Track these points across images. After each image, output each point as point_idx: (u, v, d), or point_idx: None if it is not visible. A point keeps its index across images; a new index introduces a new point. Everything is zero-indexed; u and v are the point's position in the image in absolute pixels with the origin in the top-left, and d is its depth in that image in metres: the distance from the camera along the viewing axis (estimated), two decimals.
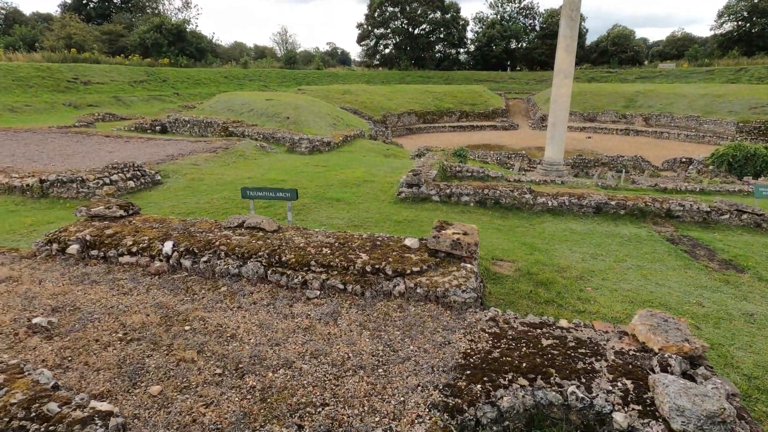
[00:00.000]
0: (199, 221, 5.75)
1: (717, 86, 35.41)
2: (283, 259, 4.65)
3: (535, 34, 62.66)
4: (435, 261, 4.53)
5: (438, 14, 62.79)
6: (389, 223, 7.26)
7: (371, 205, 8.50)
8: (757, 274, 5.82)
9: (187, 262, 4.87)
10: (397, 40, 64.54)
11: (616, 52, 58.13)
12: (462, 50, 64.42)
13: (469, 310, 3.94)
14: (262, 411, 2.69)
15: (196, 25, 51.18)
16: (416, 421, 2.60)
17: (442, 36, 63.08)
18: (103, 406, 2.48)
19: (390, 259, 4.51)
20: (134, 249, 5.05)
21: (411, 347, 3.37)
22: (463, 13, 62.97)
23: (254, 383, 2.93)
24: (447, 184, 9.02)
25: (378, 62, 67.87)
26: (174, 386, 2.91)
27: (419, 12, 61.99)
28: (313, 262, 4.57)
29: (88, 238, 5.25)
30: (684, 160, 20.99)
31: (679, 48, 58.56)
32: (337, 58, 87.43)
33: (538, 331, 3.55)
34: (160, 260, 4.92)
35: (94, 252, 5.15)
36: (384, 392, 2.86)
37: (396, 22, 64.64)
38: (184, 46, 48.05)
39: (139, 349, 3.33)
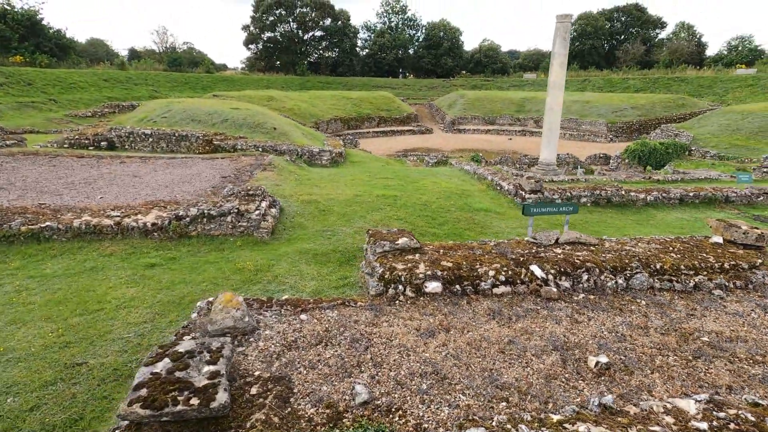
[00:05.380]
0: (506, 242, 5.69)
1: (588, 94, 43.58)
2: (657, 266, 5.11)
3: (419, 44, 67.61)
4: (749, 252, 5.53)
5: (329, 21, 63.12)
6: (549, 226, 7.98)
7: (517, 213, 9.06)
8: None
9: (565, 283, 4.95)
10: (288, 44, 62.88)
11: (488, 63, 66.46)
12: (354, 57, 65.84)
13: None
14: None
15: (42, 17, 41.70)
16: None
17: (335, 42, 63.59)
18: None
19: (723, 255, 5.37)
20: (501, 278, 4.89)
21: None
22: (353, 21, 64.26)
23: None
24: (563, 188, 10.05)
25: (265, 66, 64.94)
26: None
27: (310, 17, 61.44)
28: (682, 267, 5.14)
29: (439, 273, 4.85)
30: (602, 155, 25.75)
31: (535, 61, 69.71)
32: (196, 60, 78.44)
33: None
34: (538, 285, 4.88)
35: (456, 287, 4.81)
36: None
37: (285, 26, 62.93)
38: (41, 42, 39.31)
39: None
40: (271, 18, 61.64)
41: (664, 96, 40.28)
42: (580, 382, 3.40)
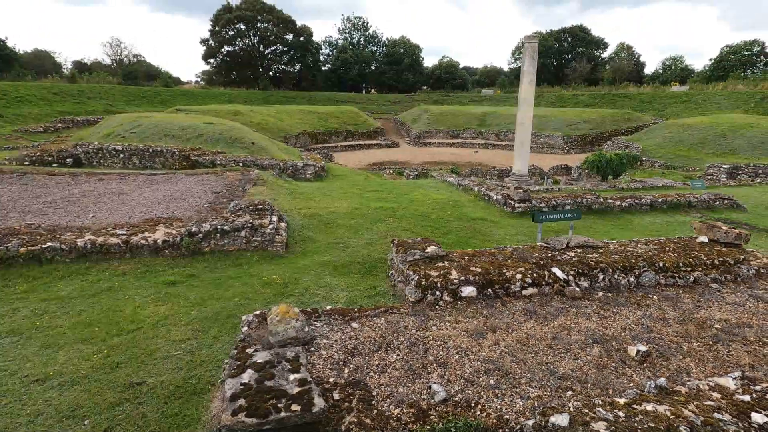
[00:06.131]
0: (523, 248, 6.08)
1: (543, 109, 46.08)
2: (660, 264, 5.66)
3: (381, 60, 69.02)
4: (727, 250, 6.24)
5: (291, 36, 63.22)
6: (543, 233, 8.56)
7: (511, 221, 9.58)
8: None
9: (584, 283, 5.38)
10: (249, 58, 62.27)
11: (448, 79, 68.86)
12: (317, 73, 66.15)
13: None
14: None
15: None
16: None
17: (297, 57, 63.68)
18: None
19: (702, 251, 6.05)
20: (527, 280, 5.25)
21: None
22: (315, 37, 64.67)
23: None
24: (549, 198, 10.71)
25: (225, 80, 63.80)
26: None
27: (271, 32, 61.27)
28: (681, 264, 5.72)
29: (471, 279, 5.14)
30: (563, 166, 27.33)
31: (491, 77, 73.03)
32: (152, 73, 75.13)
33: None
34: (561, 286, 5.28)
35: (488, 291, 5.11)
36: None
37: (245, 40, 62.35)
38: None
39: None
40: (231, 32, 60.94)
41: (612, 111, 43.41)
42: (627, 369, 3.76)
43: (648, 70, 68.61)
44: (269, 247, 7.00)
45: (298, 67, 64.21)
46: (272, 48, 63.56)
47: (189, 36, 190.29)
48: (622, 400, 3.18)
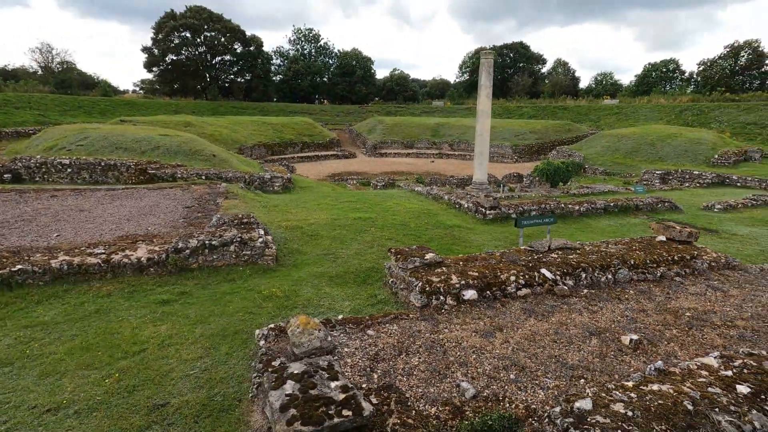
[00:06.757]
0: (510, 252, 6.48)
1: (492, 120, 48.23)
2: (632, 262, 6.27)
3: (334, 72, 69.29)
4: (683, 247, 7.05)
5: (240, 46, 61.92)
6: (516, 237, 9.17)
7: (484, 227, 10.08)
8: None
9: (570, 282, 5.86)
10: (196, 68, 60.17)
11: (400, 91, 70.36)
12: (268, 83, 65.13)
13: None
14: None
15: None
16: None
17: (247, 67, 62.41)
18: None
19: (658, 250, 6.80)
20: (521, 281, 5.63)
21: None
22: (266, 48, 63.80)
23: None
24: (516, 204, 11.39)
25: (171, 90, 61.16)
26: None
27: (219, 42, 59.68)
28: (648, 261, 6.38)
29: (471, 282, 5.44)
30: (515, 174, 28.84)
31: (440, 89, 75.53)
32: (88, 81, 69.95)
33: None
34: (551, 285, 5.71)
35: (487, 293, 5.43)
36: None
37: (192, 49, 60.25)
38: None
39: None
40: (176, 40, 58.64)
41: (554, 122, 46.42)
42: (625, 356, 4.19)
43: (582, 84, 74.17)
44: (259, 261, 6.92)
45: (248, 78, 62.86)
46: (220, 58, 61.87)
47: (123, 43, 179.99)
48: (630, 383, 3.57)
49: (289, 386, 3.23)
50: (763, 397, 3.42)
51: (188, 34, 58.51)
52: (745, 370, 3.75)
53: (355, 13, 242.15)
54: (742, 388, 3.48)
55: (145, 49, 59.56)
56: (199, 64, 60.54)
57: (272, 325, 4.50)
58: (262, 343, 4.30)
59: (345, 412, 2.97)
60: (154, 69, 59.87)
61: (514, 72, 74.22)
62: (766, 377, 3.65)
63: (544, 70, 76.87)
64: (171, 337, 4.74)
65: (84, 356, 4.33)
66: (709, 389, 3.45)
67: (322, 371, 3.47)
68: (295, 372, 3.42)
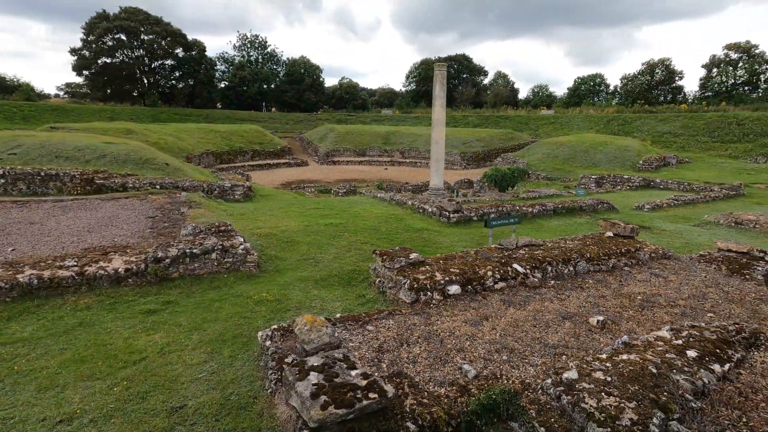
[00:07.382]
0: (483, 250, 7.03)
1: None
2: (588, 255, 7.05)
3: (282, 79, 68.47)
4: (632, 243, 8.02)
5: (181, 50, 59.53)
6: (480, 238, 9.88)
7: (450, 230, 10.69)
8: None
9: (538, 275, 6.50)
10: (132, 72, 57.00)
11: (349, 99, 70.90)
12: (213, 90, 63.06)
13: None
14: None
15: None
16: None
17: (190, 72, 60.08)
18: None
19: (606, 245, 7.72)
20: (497, 276, 6.19)
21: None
22: (209, 53, 61.80)
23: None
24: (476, 207, 12.15)
25: (104, 95, 57.30)
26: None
27: (159, 45, 57.01)
28: (601, 254, 7.20)
29: (454, 278, 5.90)
30: (466, 180, 30.18)
31: (389, 98, 77.00)
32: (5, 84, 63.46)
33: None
34: (523, 278, 6.31)
35: (469, 287, 5.91)
36: None
37: (128, 52, 57.05)
38: None
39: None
40: (110, 42, 55.25)
41: (498, 131, 49.05)
42: (594, 335, 4.80)
43: (521, 95, 78.91)
44: (241, 268, 6.95)
45: (191, 84, 60.48)
46: (160, 62, 59.08)
47: (42, 43, 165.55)
48: (604, 356, 4.16)
49: (314, 377, 3.44)
50: (707, 359, 4.13)
51: (123, 37, 55.37)
52: (691, 339, 4.48)
53: (299, 20, 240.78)
54: (691, 353, 4.18)
55: (74, 51, 55.50)
56: (137, 68, 57.43)
57: (275, 326, 4.66)
58: (268, 343, 4.45)
59: (371, 395, 3.25)
60: (85, 72, 55.90)
61: (459, 83, 77.43)
62: (708, 344, 4.39)
63: (486, 81, 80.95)
64: (169, 344, 4.73)
65: (81, 368, 4.23)
66: (667, 356, 4.11)
67: (340, 362, 3.71)
68: (316, 364, 3.63)
